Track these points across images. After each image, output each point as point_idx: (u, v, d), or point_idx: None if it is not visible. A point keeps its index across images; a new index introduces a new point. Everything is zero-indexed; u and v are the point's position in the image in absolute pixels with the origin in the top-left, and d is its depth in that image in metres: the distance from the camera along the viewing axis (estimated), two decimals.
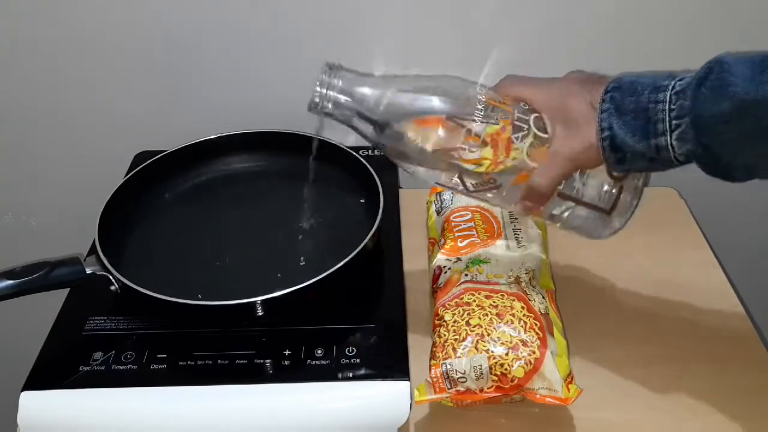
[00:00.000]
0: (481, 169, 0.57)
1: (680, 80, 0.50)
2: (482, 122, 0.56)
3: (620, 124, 0.51)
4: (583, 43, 0.79)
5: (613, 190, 0.59)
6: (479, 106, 0.57)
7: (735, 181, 0.50)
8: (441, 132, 0.57)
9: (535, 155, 0.57)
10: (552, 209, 0.61)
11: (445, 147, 0.57)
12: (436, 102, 0.58)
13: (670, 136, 0.50)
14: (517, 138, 0.57)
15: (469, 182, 0.59)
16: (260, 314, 0.59)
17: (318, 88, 0.57)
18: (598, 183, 0.59)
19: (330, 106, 0.58)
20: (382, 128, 0.58)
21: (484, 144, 0.57)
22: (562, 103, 0.55)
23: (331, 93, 0.57)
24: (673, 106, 0.49)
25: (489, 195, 0.61)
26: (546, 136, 0.57)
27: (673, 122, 0.49)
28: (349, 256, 0.60)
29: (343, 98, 0.58)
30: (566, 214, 0.61)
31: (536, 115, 0.58)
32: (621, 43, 0.80)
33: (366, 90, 0.58)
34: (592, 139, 0.53)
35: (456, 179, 0.59)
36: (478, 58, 0.80)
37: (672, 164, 0.52)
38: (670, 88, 0.50)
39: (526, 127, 0.57)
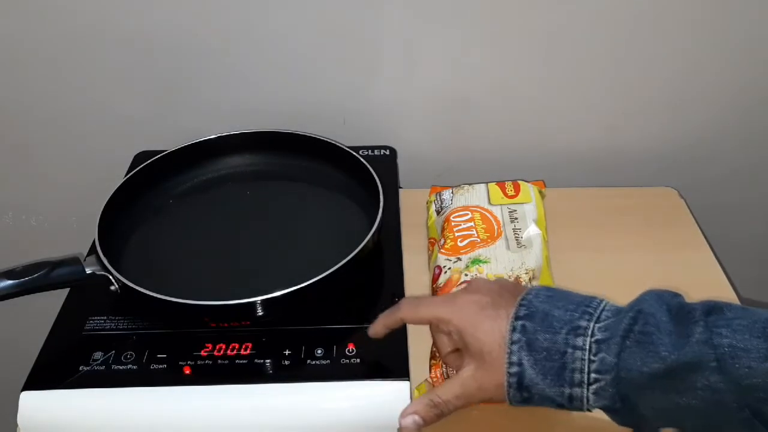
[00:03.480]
0: None
1: (599, 323, 0.46)
2: None
3: (532, 362, 0.46)
4: (583, 45, 0.79)
5: None
6: None
7: (641, 430, 0.47)
8: None
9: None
10: None
11: None
12: None
13: (587, 389, 0.45)
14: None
15: None
16: (260, 314, 0.59)
17: None
18: None
19: None
20: None
21: None
22: (474, 330, 0.49)
23: None
24: (593, 357, 0.45)
25: None
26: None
27: (592, 375, 0.45)
28: (349, 256, 0.60)
29: None
30: None
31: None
32: (621, 44, 0.80)
33: None
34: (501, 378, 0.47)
35: None
36: (479, 58, 0.81)
37: (578, 410, 0.47)
38: (590, 333, 0.45)
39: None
